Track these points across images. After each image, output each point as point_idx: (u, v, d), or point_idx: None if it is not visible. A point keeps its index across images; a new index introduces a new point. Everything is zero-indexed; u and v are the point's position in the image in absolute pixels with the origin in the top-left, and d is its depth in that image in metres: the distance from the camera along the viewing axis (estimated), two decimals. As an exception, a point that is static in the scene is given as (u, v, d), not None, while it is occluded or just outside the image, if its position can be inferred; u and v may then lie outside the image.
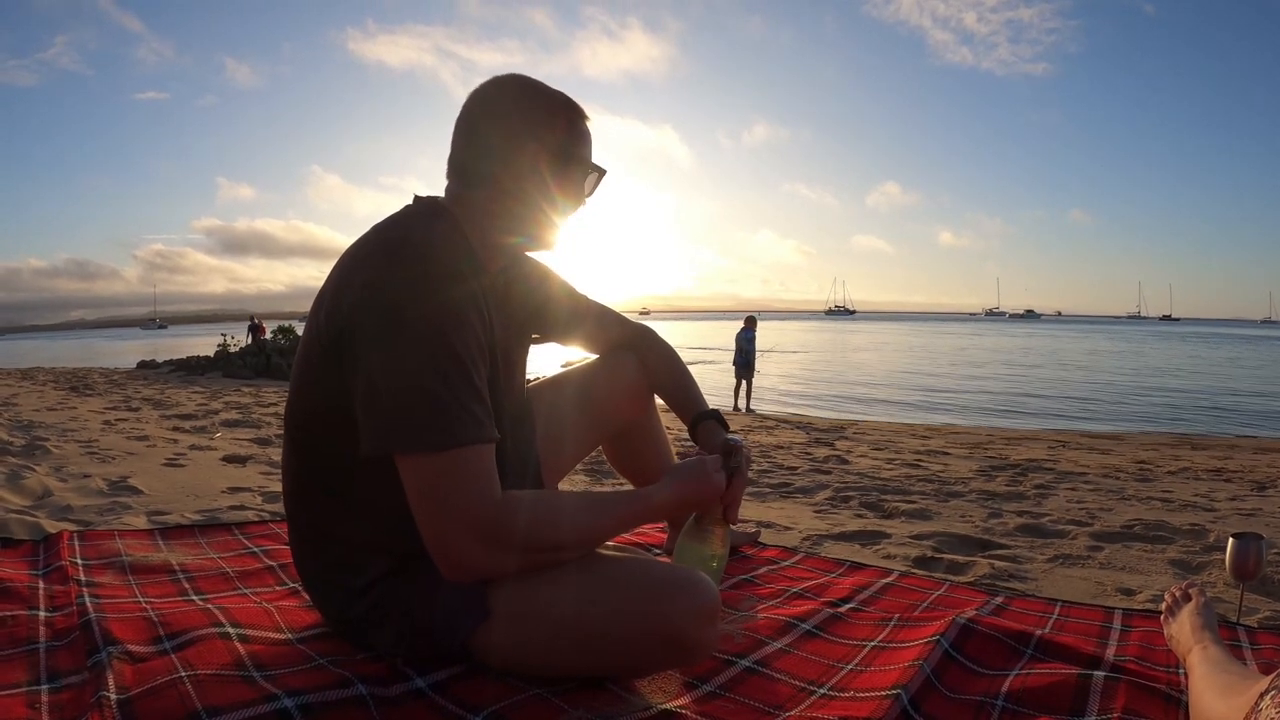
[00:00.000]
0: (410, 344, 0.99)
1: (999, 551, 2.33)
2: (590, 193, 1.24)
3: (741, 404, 11.95)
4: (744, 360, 11.93)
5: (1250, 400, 15.22)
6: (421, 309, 1.00)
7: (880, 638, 1.37)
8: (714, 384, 13.91)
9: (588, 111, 1.22)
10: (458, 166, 1.18)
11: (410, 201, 1.19)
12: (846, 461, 5.07)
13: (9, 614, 1.26)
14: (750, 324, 12.11)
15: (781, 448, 5.87)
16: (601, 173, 1.23)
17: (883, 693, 1.10)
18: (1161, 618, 1.40)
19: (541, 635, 1.05)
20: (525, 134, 1.15)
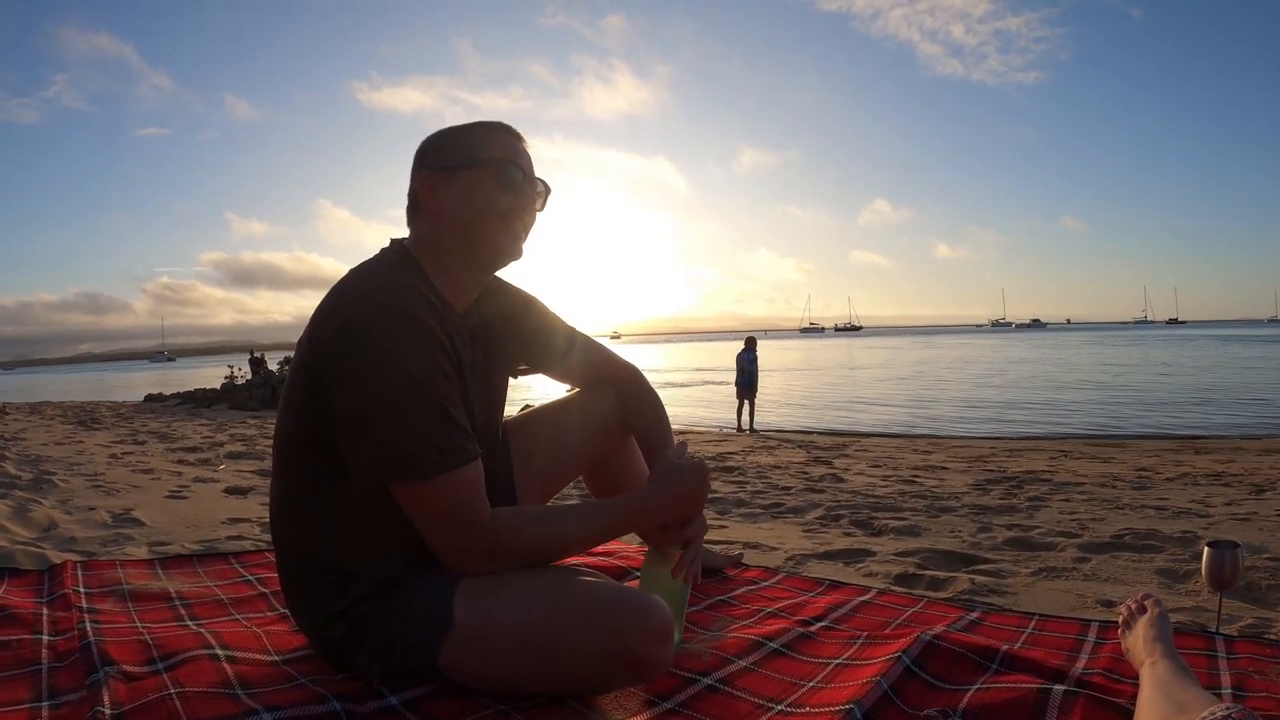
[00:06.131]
0: (386, 383, 1.09)
1: (983, 566, 2.30)
2: (539, 205, 1.32)
3: (745, 424, 11.95)
4: (746, 380, 11.95)
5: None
6: (392, 350, 1.09)
7: (846, 655, 1.37)
8: (721, 415, 13.86)
9: (537, 134, 1.30)
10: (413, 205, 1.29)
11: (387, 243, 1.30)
12: (842, 480, 5.06)
13: (15, 638, 1.34)
14: (750, 344, 12.14)
15: (779, 468, 5.87)
16: (524, 176, 1.26)
17: (836, 708, 1.12)
18: (1118, 630, 1.39)
19: (501, 650, 1.11)
20: (429, 162, 1.26)
